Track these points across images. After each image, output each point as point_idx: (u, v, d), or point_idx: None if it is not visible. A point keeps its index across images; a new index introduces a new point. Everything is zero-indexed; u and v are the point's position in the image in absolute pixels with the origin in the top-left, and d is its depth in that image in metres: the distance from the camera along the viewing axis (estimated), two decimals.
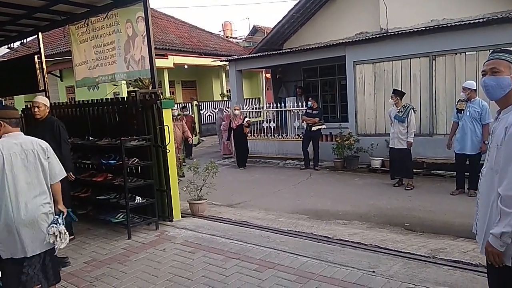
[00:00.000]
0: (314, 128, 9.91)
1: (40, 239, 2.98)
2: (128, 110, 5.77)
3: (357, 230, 5.31)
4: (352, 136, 9.77)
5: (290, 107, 11.67)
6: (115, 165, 5.40)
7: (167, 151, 5.57)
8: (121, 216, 5.33)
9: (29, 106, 6.00)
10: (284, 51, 12.52)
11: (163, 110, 5.56)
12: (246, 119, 10.95)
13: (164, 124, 5.56)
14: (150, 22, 5.62)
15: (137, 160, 5.39)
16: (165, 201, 5.68)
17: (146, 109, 5.60)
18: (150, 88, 5.72)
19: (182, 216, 5.93)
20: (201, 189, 6.37)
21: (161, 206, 5.67)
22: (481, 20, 8.38)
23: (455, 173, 7.27)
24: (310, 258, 4.14)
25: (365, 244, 4.62)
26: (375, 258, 4.14)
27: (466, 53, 8.58)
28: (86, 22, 6.58)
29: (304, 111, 10.58)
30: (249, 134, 11.36)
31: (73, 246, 4.87)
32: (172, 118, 7.99)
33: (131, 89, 6.08)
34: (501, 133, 2.15)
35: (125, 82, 6.85)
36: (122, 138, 5.12)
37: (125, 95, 8.47)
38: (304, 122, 10.32)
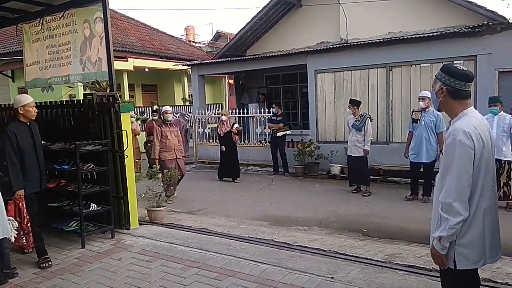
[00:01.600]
0: (279, 134, 9.97)
1: None
2: (84, 113, 5.54)
3: (316, 236, 5.36)
4: (313, 143, 9.93)
5: (252, 113, 11.70)
6: (69, 170, 5.15)
7: (125, 156, 5.40)
8: (74, 224, 5.09)
9: None
10: (247, 57, 12.57)
11: (121, 114, 5.39)
12: (236, 125, 9.81)
13: (122, 129, 5.38)
14: (109, 23, 5.45)
15: (92, 165, 5.17)
16: (122, 208, 5.48)
17: (104, 113, 5.40)
18: (108, 91, 5.52)
19: (140, 224, 5.75)
20: (160, 195, 6.22)
21: (118, 214, 5.46)
22: (434, 34, 8.81)
23: (410, 179, 7.54)
24: (270, 265, 4.12)
25: (324, 250, 4.67)
26: (334, 264, 4.19)
27: (421, 65, 8.97)
28: (41, 21, 6.28)
29: (269, 117, 10.65)
30: (238, 141, 10.21)
31: (22, 256, 4.59)
32: (166, 123, 7.77)
33: (87, 91, 5.82)
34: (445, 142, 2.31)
35: (81, 84, 6.56)
36: (77, 142, 4.90)
37: (81, 97, 8.12)
38: (269, 128, 10.36)
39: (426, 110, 6.99)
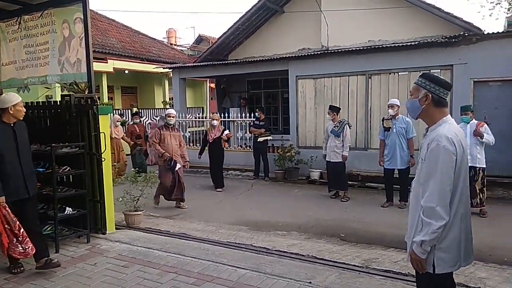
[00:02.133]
0: (260, 139, 9.96)
1: None
2: (61, 115, 5.42)
3: (295, 241, 5.38)
4: (293, 148, 10.00)
5: (234, 118, 11.69)
6: (44, 173, 5.02)
7: (103, 159, 5.31)
8: (49, 228, 4.94)
9: None
10: (229, 62, 12.57)
11: (99, 116, 5.30)
12: (226, 131, 9.18)
13: (100, 131, 5.29)
14: (89, 24, 5.36)
15: (68, 168, 5.05)
16: (98, 212, 5.37)
17: (81, 115, 5.29)
18: (86, 93, 5.43)
19: (116, 228, 5.65)
20: (138, 199, 6.13)
21: (94, 218, 5.35)
22: (412, 43, 9.02)
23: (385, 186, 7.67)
24: (249, 270, 4.11)
25: (303, 255, 4.69)
26: (312, 269, 4.21)
27: (399, 73, 9.17)
28: (18, 20, 6.12)
29: (251, 122, 10.65)
30: (227, 147, 9.72)
31: None
32: (168, 126, 7.43)
33: (65, 92, 5.71)
34: (425, 149, 2.35)
35: (59, 85, 6.43)
36: (53, 144, 4.79)
37: (59, 99, 7.95)
38: (251, 133, 10.36)
39: (396, 117, 7.14)
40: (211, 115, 10.30)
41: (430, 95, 2.36)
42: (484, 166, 6.45)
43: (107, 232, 5.39)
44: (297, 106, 10.50)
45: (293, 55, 10.86)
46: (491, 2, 19.93)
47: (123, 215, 6.09)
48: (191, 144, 12.22)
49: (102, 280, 3.93)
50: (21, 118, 4.20)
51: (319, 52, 10.69)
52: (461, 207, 2.30)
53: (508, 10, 16.43)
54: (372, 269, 4.25)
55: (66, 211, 4.94)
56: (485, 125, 6.46)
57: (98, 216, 5.37)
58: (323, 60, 10.15)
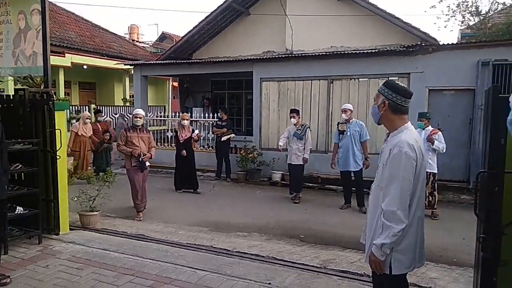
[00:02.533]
0: (223, 138, 9.93)
1: None
2: (14, 109, 5.15)
3: (256, 242, 5.41)
4: (256, 150, 10.04)
5: (197, 118, 11.58)
6: None
7: (58, 157, 5.09)
8: None
9: None
10: (193, 61, 12.44)
11: (55, 112, 5.08)
12: (196, 131, 9.02)
13: (56, 128, 5.08)
14: (47, 16, 5.14)
15: (21, 165, 4.81)
16: (52, 212, 5.15)
17: (36, 110, 5.05)
18: (42, 87, 5.19)
19: (71, 229, 5.44)
20: (94, 199, 5.93)
21: (47, 218, 5.12)
22: (373, 51, 9.32)
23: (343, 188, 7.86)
24: (208, 271, 4.08)
25: (263, 256, 4.72)
26: (272, 270, 4.24)
27: (359, 79, 9.44)
28: None
29: (214, 122, 10.59)
30: (196, 147, 9.50)
31: None
32: (135, 128, 6.74)
33: (19, 86, 5.44)
34: (387, 153, 2.42)
35: (12, 79, 6.12)
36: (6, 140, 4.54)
37: (11, 92, 7.54)
38: (214, 133, 10.30)
39: (350, 121, 7.36)
40: (181, 114, 9.84)
41: (387, 102, 2.45)
42: (435, 171, 6.76)
43: (60, 233, 5.18)
44: (261, 108, 10.57)
45: (258, 57, 10.92)
46: (446, 15, 20.91)
47: (78, 215, 5.87)
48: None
49: (55, 283, 3.77)
50: None
51: (283, 56, 10.82)
52: (418, 210, 2.40)
53: (462, 22, 17.40)
54: (330, 269, 4.34)
55: (17, 210, 4.70)
56: (439, 132, 6.77)
57: (51, 216, 5.15)
58: (287, 63, 10.27)
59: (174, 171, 9.16)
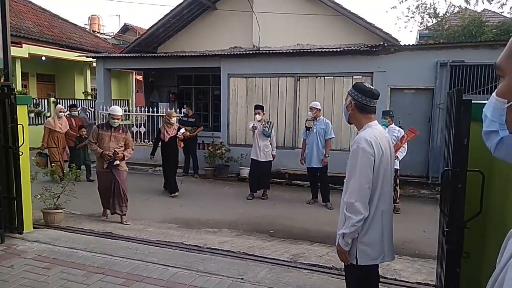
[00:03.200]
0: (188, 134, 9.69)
1: None
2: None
3: (226, 238, 5.45)
4: (224, 146, 10.04)
5: (162, 113, 11.39)
6: None
7: (20, 153, 4.89)
8: None
9: None
10: (158, 55, 12.22)
11: (17, 106, 4.88)
12: (182, 130, 8.26)
13: (18, 123, 4.87)
14: (7, 6, 4.91)
15: None
16: (14, 210, 4.95)
17: None
18: (2, 81, 4.96)
19: (34, 228, 5.26)
20: (58, 197, 5.76)
21: (9, 216, 4.92)
22: (338, 50, 9.55)
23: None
24: (180, 268, 4.08)
25: (234, 252, 4.77)
26: (243, 265, 4.30)
27: (325, 77, 9.65)
28: None
29: (179, 118, 10.45)
30: (182, 147, 8.61)
31: None
32: (109, 126, 6.06)
33: None
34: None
35: None
36: None
37: None
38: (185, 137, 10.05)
39: (317, 119, 7.54)
40: (167, 112, 8.88)
41: (354, 102, 2.61)
42: (398, 167, 7.06)
43: (24, 231, 4.99)
44: (229, 104, 10.57)
45: (225, 53, 10.89)
46: (406, 15, 21.68)
47: (42, 213, 5.67)
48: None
49: (21, 283, 3.64)
50: None
51: (251, 52, 10.85)
52: (382, 204, 2.52)
53: (421, 23, 18.15)
54: (300, 263, 4.47)
55: None
56: (399, 130, 7.05)
57: (14, 214, 4.95)
58: (255, 60, 10.32)
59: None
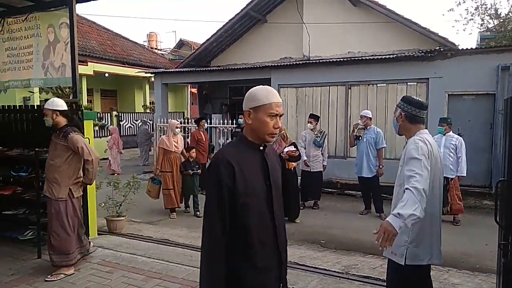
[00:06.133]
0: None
1: None
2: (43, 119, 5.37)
3: None
4: None
5: (216, 124, 11.74)
6: (26, 177, 4.98)
7: None
8: (30, 233, 4.92)
9: None
10: (212, 68, 12.66)
11: (84, 121, 5.30)
12: (291, 148, 6.98)
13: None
14: (75, 29, 5.38)
15: None
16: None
17: None
18: (70, 98, 5.42)
19: (98, 234, 5.64)
20: (120, 205, 6.13)
21: None
22: (391, 56, 9.34)
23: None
24: None
25: None
26: (294, 274, 4.32)
27: (377, 85, 9.46)
28: (1, 22, 6.07)
29: (233, 129, 10.68)
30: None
31: None
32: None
33: (46, 96, 5.69)
34: (403, 157, 2.66)
35: (37, 89, 6.39)
36: (37, 149, 4.77)
37: (37, 102, 7.80)
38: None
39: (368, 128, 7.38)
40: (170, 121, 8.06)
41: (404, 113, 2.71)
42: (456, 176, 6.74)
43: (89, 237, 5.36)
44: None
45: (276, 64, 11.05)
46: (464, 18, 20.68)
47: (105, 221, 6.07)
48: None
49: (87, 286, 3.95)
50: None
51: (300, 62, 10.92)
52: (429, 206, 2.49)
53: (481, 25, 17.20)
54: (352, 275, 4.40)
55: None
56: (457, 138, 6.73)
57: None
58: (305, 70, 10.37)
59: None
